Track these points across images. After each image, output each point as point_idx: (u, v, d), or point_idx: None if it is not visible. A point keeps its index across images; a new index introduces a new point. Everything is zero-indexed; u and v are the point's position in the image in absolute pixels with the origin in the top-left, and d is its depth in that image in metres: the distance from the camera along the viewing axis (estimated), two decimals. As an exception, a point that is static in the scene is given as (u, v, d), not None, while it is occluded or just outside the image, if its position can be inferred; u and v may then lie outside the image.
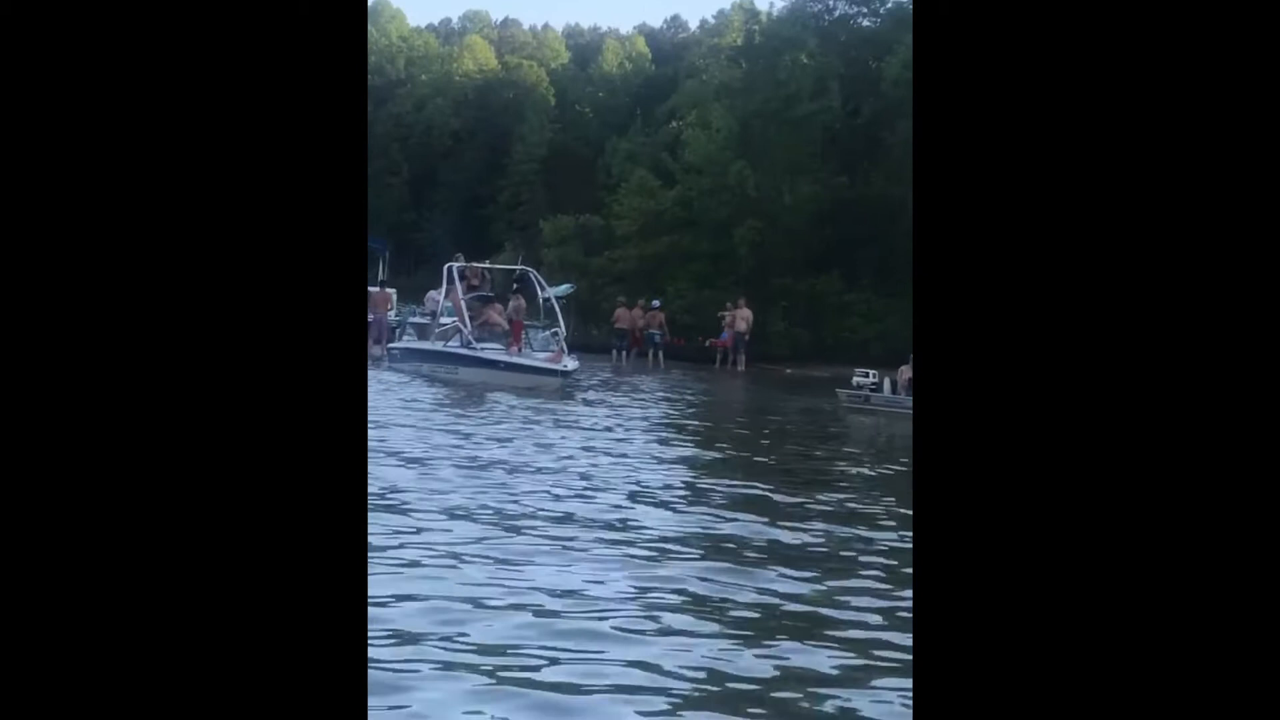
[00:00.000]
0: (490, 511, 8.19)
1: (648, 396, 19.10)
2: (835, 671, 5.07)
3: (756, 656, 5.23)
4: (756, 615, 5.93)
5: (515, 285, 22.71)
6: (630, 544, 7.45)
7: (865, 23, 33.28)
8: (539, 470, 10.25)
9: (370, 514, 7.84)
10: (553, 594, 6.02)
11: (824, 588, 6.51)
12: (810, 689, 4.85)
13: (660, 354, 26.93)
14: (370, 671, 4.57)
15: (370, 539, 6.60)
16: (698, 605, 6.05)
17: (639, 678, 4.84)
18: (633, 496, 9.26)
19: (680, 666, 5.00)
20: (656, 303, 27.86)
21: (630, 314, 27.97)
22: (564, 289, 24.62)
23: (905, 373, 19.04)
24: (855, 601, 6.23)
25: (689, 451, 12.69)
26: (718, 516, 8.59)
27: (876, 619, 5.92)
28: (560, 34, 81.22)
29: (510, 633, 5.35)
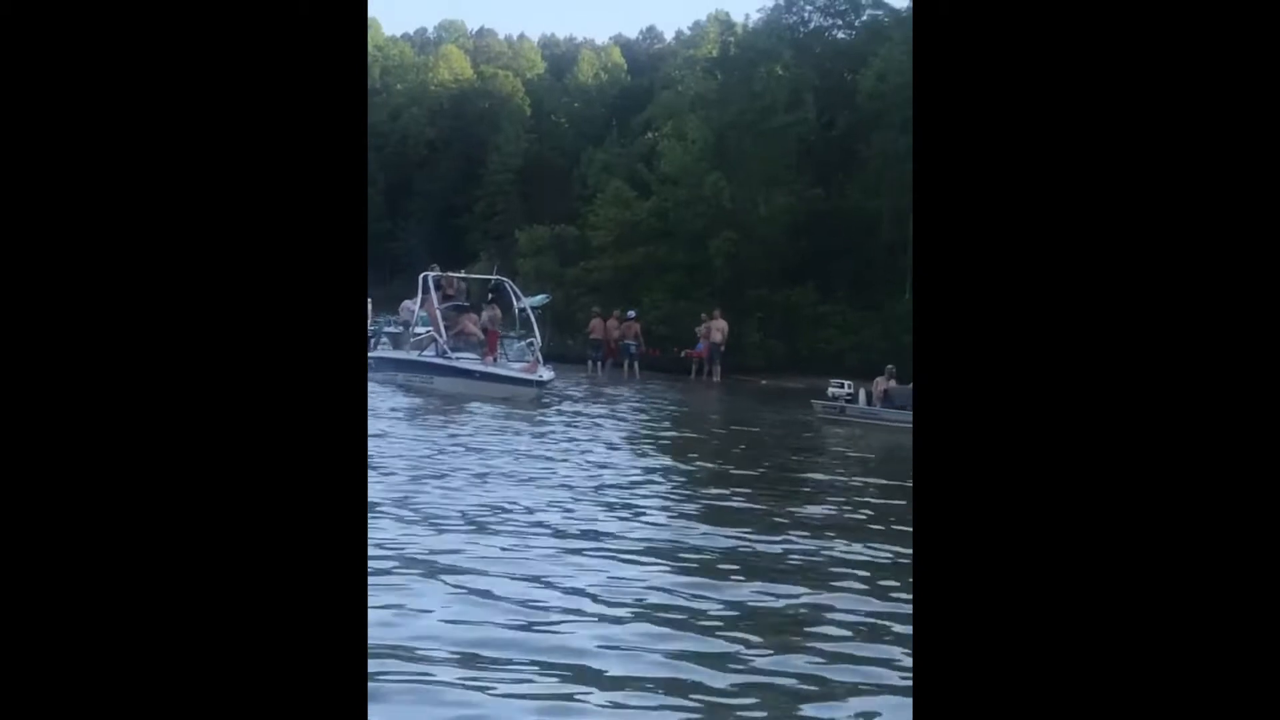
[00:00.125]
0: (465, 519, 8.16)
1: (624, 407, 19.09)
2: (813, 679, 5.09)
3: (730, 669, 5.23)
4: (728, 621, 5.96)
5: (490, 295, 22.68)
6: (605, 554, 7.43)
7: (840, 35, 33.45)
8: (515, 479, 10.22)
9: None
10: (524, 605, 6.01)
11: (803, 599, 6.52)
12: (783, 696, 4.87)
13: (636, 365, 26.93)
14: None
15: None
16: (670, 612, 6.06)
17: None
18: (609, 507, 9.25)
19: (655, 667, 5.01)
20: (632, 313, 27.88)
21: (605, 324, 27.98)
22: (539, 299, 24.58)
23: (880, 384, 19.10)
24: (835, 614, 6.24)
25: (666, 462, 12.68)
26: (693, 528, 8.58)
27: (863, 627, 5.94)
28: (536, 44, 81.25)
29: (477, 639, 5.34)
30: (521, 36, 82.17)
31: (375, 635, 5.10)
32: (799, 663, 5.35)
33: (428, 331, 20.02)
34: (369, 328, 23.57)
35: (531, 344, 20.13)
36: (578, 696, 4.72)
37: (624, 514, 9.03)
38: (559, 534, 7.99)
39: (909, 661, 5.24)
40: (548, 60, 76.17)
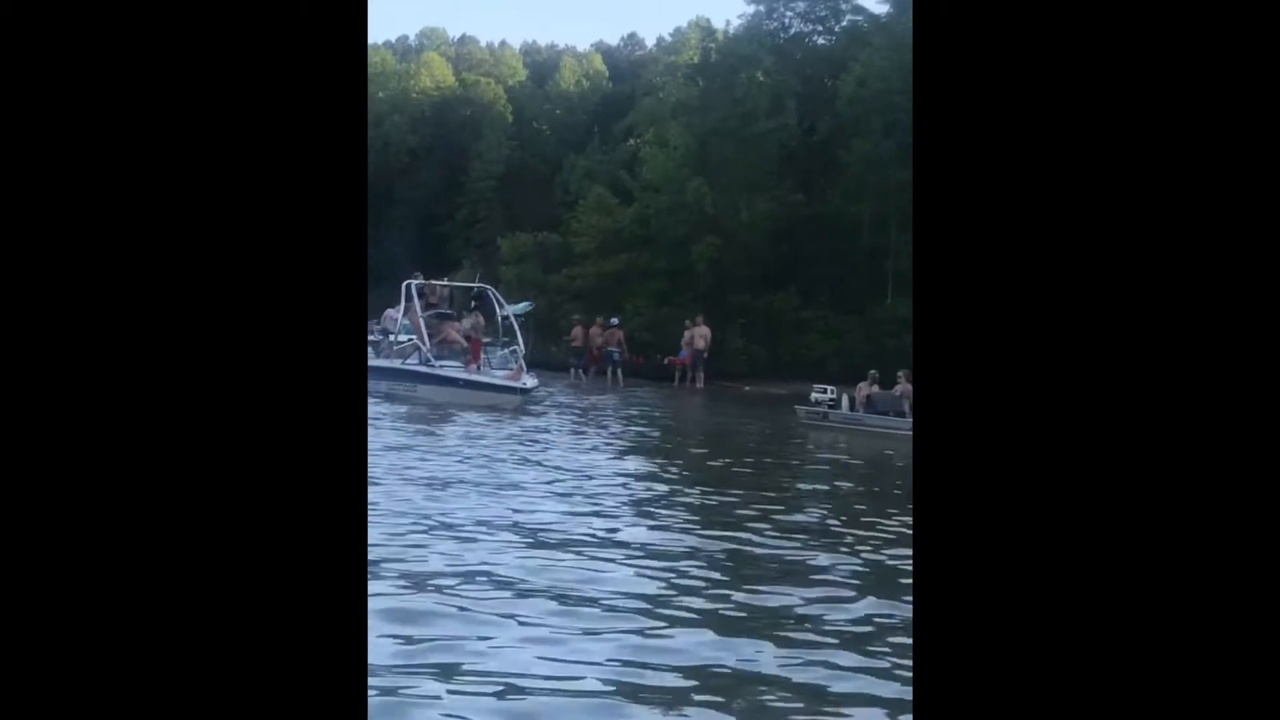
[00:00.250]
0: (455, 527, 8.16)
1: (608, 414, 19.11)
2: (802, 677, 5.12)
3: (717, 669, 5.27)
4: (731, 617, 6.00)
5: (473, 303, 22.67)
6: (586, 557, 7.44)
7: (820, 41, 33.58)
8: (500, 487, 10.23)
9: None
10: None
11: (789, 602, 6.55)
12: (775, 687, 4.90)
13: (619, 371, 26.98)
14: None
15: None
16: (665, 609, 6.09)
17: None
18: (599, 513, 9.26)
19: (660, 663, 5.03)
20: (615, 320, 27.92)
21: (588, 332, 28.01)
22: (522, 307, 24.59)
23: (863, 389, 19.16)
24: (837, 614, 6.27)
25: (650, 468, 12.70)
26: (684, 531, 8.61)
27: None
28: (518, 51, 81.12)
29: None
30: (503, 44, 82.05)
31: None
32: (788, 662, 5.38)
33: (411, 340, 19.99)
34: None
35: (515, 351, 20.12)
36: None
37: (607, 519, 9.04)
38: (543, 538, 8.00)
39: (902, 664, 5.27)
40: (529, 67, 76.09)
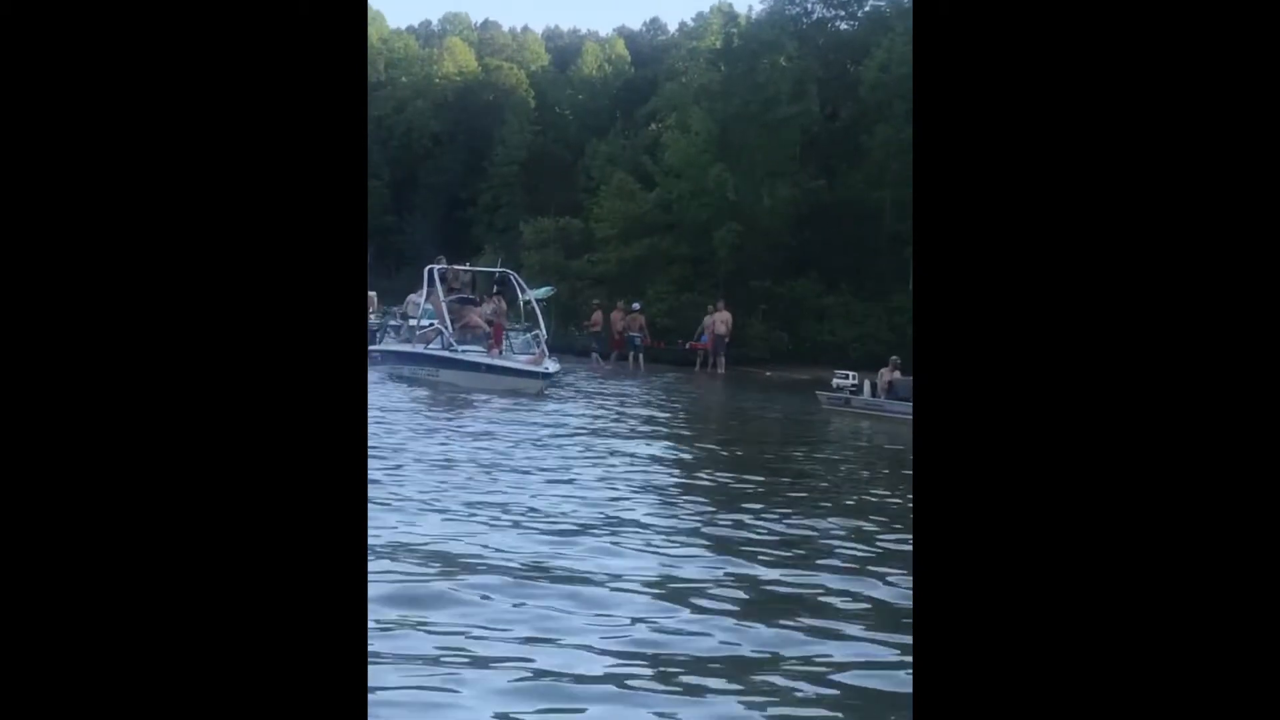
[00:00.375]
0: (484, 511, 8.22)
1: (630, 399, 19.13)
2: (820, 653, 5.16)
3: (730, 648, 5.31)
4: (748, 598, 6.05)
5: (496, 287, 22.72)
6: (627, 544, 7.49)
7: (843, 26, 33.47)
8: (527, 471, 10.28)
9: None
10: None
11: (810, 585, 6.59)
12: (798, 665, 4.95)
13: (640, 357, 26.99)
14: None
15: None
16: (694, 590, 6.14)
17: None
18: (624, 498, 9.30)
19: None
20: (637, 305, 27.95)
21: (609, 316, 28.06)
22: (544, 291, 24.63)
23: (885, 375, 19.13)
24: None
25: (676, 453, 12.73)
26: (709, 514, 8.66)
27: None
28: (540, 36, 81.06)
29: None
30: (525, 29, 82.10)
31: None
32: (800, 640, 5.44)
33: (433, 325, 20.05)
34: (374, 321, 23.71)
35: (537, 336, 20.16)
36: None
37: (644, 502, 9.10)
38: (569, 521, 8.07)
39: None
40: (551, 52, 76.01)
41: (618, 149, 44.80)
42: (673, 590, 6.29)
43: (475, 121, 62.66)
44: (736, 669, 5.02)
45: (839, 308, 28.89)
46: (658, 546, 7.45)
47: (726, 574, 6.70)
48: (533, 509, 8.41)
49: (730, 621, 5.74)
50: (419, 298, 21.25)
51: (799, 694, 4.80)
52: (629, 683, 4.75)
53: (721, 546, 7.53)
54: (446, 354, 19.23)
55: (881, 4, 32.28)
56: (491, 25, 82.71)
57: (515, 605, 5.81)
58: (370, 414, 13.58)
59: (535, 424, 14.14)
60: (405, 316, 21.86)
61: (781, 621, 5.80)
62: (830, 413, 18.70)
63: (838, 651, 5.35)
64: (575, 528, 7.86)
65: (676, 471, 11.25)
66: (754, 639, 5.47)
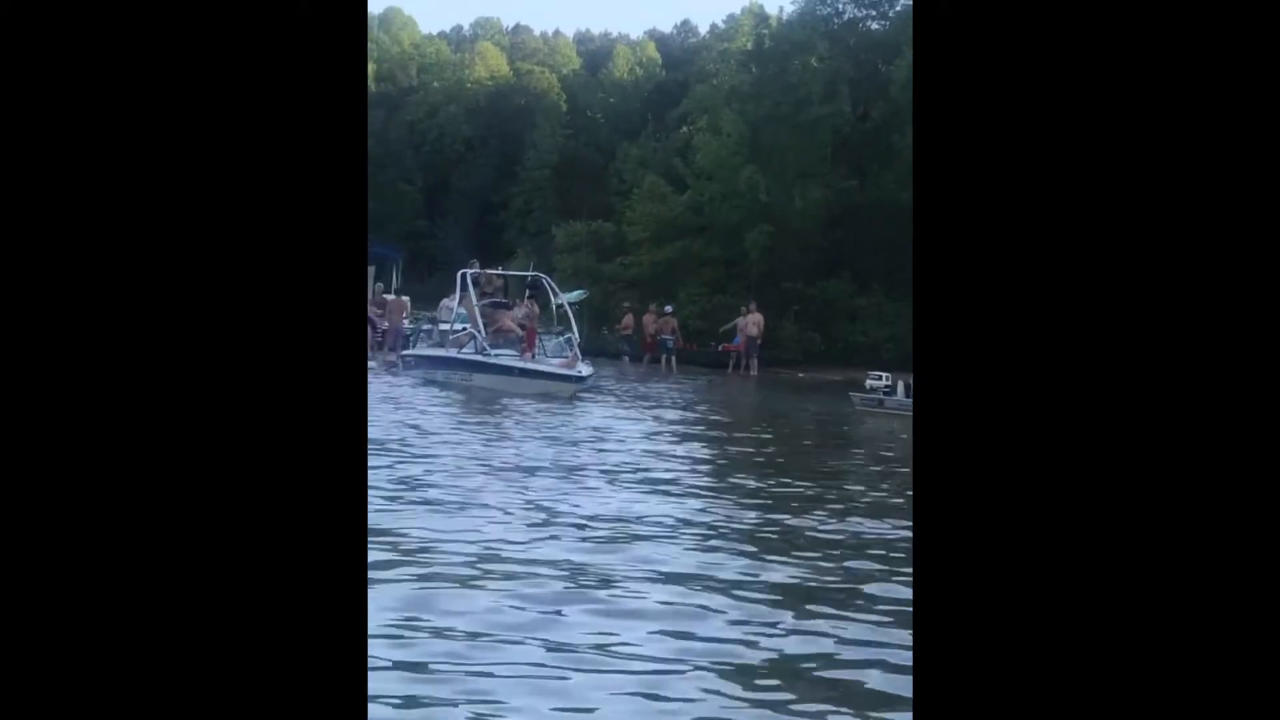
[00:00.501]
0: (516, 514, 8.26)
1: (664, 402, 19.15)
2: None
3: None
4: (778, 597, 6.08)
5: (528, 291, 22.78)
6: (662, 545, 7.51)
7: (874, 26, 33.36)
8: (559, 473, 10.33)
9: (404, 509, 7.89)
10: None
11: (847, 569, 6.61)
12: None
13: (673, 359, 27.01)
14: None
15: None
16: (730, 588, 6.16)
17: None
18: (664, 498, 9.33)
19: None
20: (669, 308, 27.98)
21: (640, 320, 28.12)
22: (577, 295, 24.69)
23: (918, 376, 19.04)
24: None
25: (712, 452, 12.75)
26: (742, 515, 8.67)
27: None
28: (571, 40, 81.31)
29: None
30: (556, 33, 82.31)
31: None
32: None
33: (466, 329, 20.13)
34: (408, 326, 23.84)
35: (570, 340, 20.19)
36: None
37: (682, 502, 9.13)
38: (604, 518, 8.12)
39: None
40: (583, 56, 76.20)
41: (649, 152, 44.87)
42: (706, 589, 6.30)
43: (507, 126, 62.87)
44: (774, 673, 5.02)
45: (871, 309, 28.83)
46: (691, 547, 7.46)
47: (761, 576, 6.70)
48: (563, 511, 8.44)
49: (764, 623, 5.75)
50: (452, 302, 21.33)
51: (833, 693, 4.80)
52: (662, 689, 4.75)
53: (756, 547, 7.53)
54: (479, 358, 19.29)
55: (911, 4, 32.16)
56: (523, 29, 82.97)
57: (540, 605, 5.83)
58: (402, 418, 13.70)
59: (568, 426, 14.18)
60: (435, 320, 21.97)
61: (817, 622, 5.80)
62: (863, 414, 18.66)
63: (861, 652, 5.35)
64: (606, 529, 7.89)
65: (709, 472, 11.26)
66: (788, 639, 5.48)
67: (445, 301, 22.24)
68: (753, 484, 10.39)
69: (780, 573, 6.80)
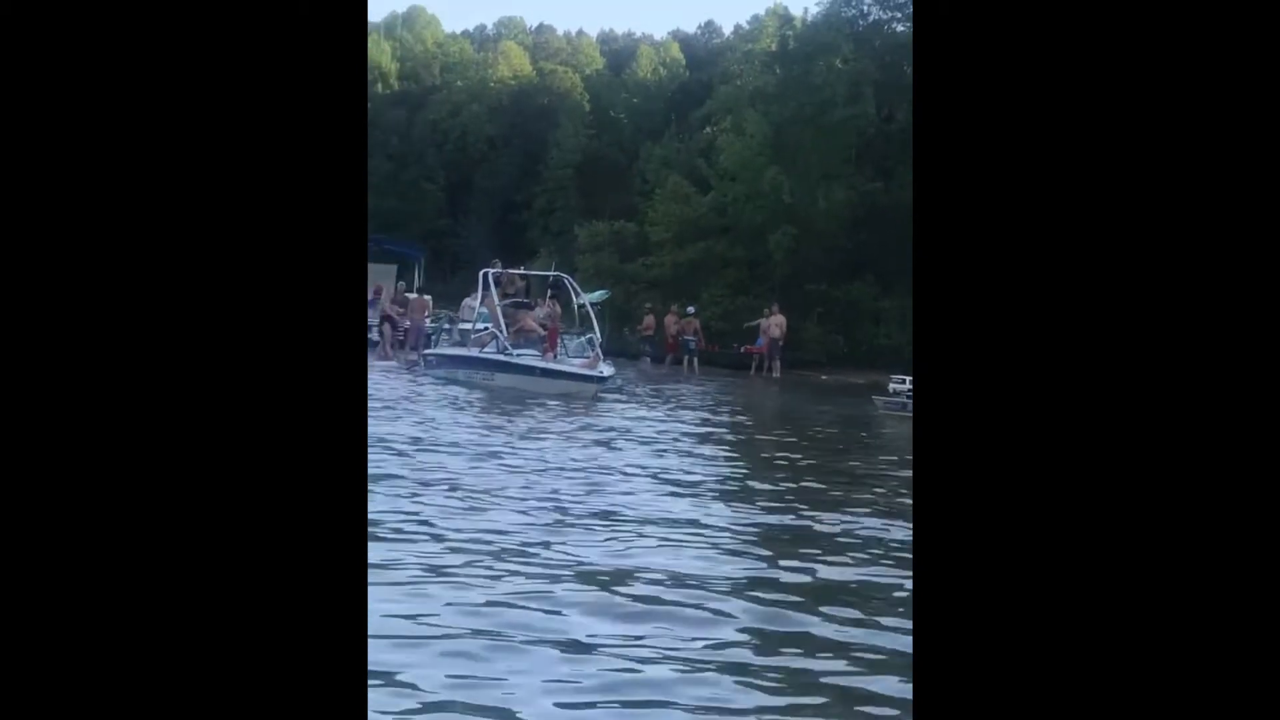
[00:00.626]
0: (539, 513, 8.25)
1: (686, 402, 19.14)
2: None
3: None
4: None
5: (550, 291, 22.79)
6: (684, 546, 7.49)
7: (899, 28, 33.23)
8: (582, 473, 10.32)
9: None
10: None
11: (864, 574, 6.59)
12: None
13: (695, 360, 27.00)
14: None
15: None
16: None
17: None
18: (683, 498, 9.32)
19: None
20: (691, 309, 27.97)
21: (661, 321, 28.11)
22: (599, 295, 24.67)
23: (940, 379, 18.97)
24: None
25: (733, 454, 12.74)
26: (764, 516, 8.67)
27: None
28: (594, 40, 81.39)
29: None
30: (580, 32, 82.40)
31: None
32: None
33: (488, 328, 20.15)
34: (430, 325, 23.88)
35: (591, 340, 20.18)
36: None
37: (688, 505, 9.10)
38: (622, 518, 8.10)
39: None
40: (606, 56, 76.27)
41: (672, 152, 44.89)
42: (722, 592, 6.28)
43: (530, 125, 62.97)
44: (794, 674, 5.00)
45: (895, 311, 28.72)
46: (708, 548, 7.44)
47: (785, 577, 6.69)
48: (580, 510, 8.44)
49: (781, 625, 5.73)
50: (474, 301, 21.37)
51: (858, 693, 4.77)
52: (674, 692, 4.73)
53: (779, 548, 7.51)
54: (501, 358, 19.30)
55: (938, 5, 32.06)
56: (546, 29, 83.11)
57: (561, 605, 5.82)
58: (423, 416, 13.73)
59: (590, 426, 14.18)
60: (453, 320, 22.01)
61: (841, 621, 5.78)
62: (885, 417, 18.60)
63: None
64: (625, 529, 7.88)
65: (729, 473, 11.25)
66: (804, 641, 5.45)
67: (467, 301, 22.27)
68: (772, 486, 10.36)
69: (797, 575, 6.77)
